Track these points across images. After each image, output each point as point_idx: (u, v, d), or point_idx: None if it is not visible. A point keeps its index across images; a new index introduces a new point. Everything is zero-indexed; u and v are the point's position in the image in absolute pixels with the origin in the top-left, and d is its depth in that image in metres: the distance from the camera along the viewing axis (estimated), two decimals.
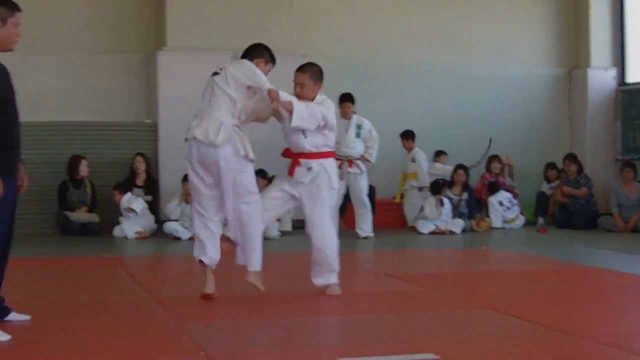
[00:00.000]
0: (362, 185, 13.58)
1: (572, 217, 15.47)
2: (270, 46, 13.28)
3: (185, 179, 12.93)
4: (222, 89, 7.57)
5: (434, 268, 11.03)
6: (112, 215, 13.99)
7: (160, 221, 13.93)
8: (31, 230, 13.72)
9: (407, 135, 15.53)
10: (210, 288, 7.64)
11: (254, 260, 7.73)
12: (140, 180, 14.32)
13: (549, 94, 17.61)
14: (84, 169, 14.05)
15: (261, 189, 8.34)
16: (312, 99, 7.98)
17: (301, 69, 8.07)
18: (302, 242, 13.31)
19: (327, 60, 15.82)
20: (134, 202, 13.72)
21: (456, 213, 14.85)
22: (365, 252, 12.46)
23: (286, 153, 8.28)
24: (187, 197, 13.05)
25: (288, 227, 14.11)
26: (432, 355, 5.55)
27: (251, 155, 7.60)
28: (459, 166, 15.26)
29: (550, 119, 17.56)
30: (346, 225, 14.38)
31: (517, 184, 16.44)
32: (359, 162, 13.49)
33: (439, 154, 16.08)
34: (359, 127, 13.51)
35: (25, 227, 13.83)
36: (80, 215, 13.92)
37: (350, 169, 13.43)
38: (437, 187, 14.79)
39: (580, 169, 15.88)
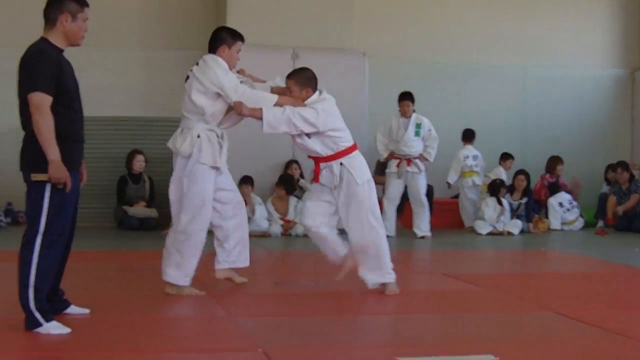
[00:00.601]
0: (421, 185, 13.50)
1: (633, 221, 15.25)
2: (330, 44, 13.29)
3: (243, 181, 12.97)
4: (188, 95, 7.69)
5: (492, 268, 10.95)
6: (170, 210, 14.03)
7: None
8: (90, 224, 13.81)
9: (472, 135, 15.51)
10: None
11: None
12: None
13: (611, 95, 17.47)
14: (137, 164, 14.12)
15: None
16: (303, 102, 7.81)
17: (289, 75, 7.96)
18: None
19: (387, 58, 15.97)
20: None
21: (514, 215, 14.74)
22: (422, 251, 12.40)
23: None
24: (245, 199, 13.08)
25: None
26: (491, 357, 5.49)
27: (211, 162, 7.64)
28: (520, 172, 15.14)
29: (612, 120, 17.42)
30: (403, 225, 14.33)
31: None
32: (417, 161, 13.41)
33: (505, 158, 15.92)
34: (418, 125, 13.44)
35: (84, 220, 13.92)
36: (139, 210, 14.01)
37: (408, 168, 13.37)
38: (496, 188, 14.68)
39: (631, 177, 15.69)
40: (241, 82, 7.76)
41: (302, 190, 14.08)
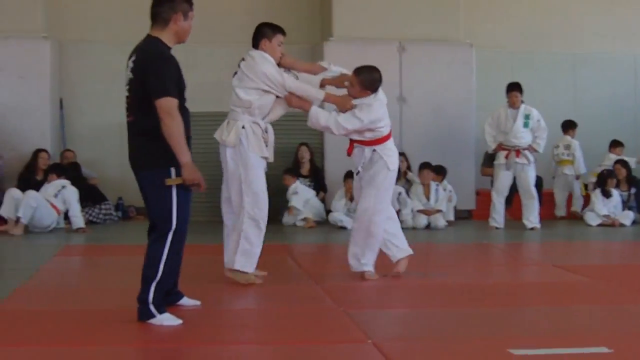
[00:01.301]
0: (530, 176, 13.36)
1: None
2: (436, 36, 13.24)
3: (348, 175, 13.03)
4: (234, 90, 7.97)
5: (603, 260, 10.77)
6: (278, 204, 14.16)
7: (328, 210, 14.02)
8: (199, 218, 13.96)
9: (569, 125, 15.36)
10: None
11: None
12: (305, 169, 14.43)
13: None
14: None
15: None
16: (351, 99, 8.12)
17: (358, 71, 8.15)
18: (467, 232, 13.26)
19: (494, 49, 15.83)
20: (293, 198, 13.84)
21: (626, 206, 14.49)
22: (532, 243, 12.26)
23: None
24: (350, 194, 13.15)
25: (451, 216, 14.02)
26: (605, 349, 5.42)
27: (259, 152, 7.90)
28: (617, 161, 14.89)
29: None
30: (512, 217, 14.20)
31: None
32: (526, 152, 13.27)
33: (615, 145, 15.68)
34: (527, 117, 13.29)
35: (194, 214, 14.09)
36: None
37: (517, 159, 13.23)
38: (603, 179, 14.46)
39: None
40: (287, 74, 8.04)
41: (410, 182, 14.06)
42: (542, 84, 15.90)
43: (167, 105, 5.99)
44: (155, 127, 6.01)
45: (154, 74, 6.05)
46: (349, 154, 8.28)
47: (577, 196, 15.30)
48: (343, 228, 13.08)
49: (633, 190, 14.64)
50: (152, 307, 6.08)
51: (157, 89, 6.01)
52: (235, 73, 8.10)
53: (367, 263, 8.17)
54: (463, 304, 7.23)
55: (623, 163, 14.82)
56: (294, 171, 14.26)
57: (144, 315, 6.11)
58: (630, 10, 16.62)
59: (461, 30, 14.90)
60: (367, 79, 8.09)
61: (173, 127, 6.00)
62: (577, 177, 15.24)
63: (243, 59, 8.09)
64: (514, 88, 13.39)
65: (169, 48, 6.25)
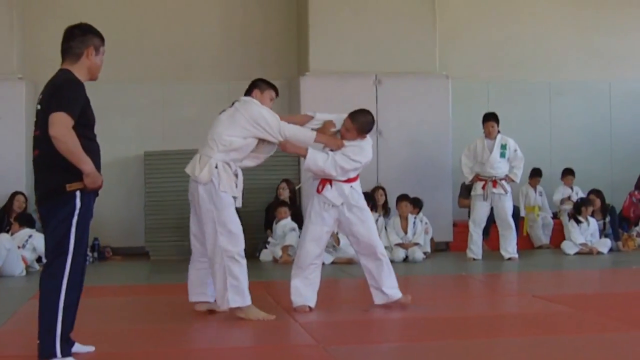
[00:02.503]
0: (507, 206, 13.38)
1: None
2: (412, 68, 13.29)
3: None
4: (220, 126, 7.92)
5: (582, 289, 10.75)
6: (255, 241, 14.14)
7: None
8: (176, 256, 13.94)
9: (536, 174, 15.48)
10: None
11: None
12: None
13: None
14: None
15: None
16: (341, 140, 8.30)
17: (353, 117, 8.28)
18: (445, 264, 13.25)
19: (470, 80, 15.89)
20: (292, 235, 13.75)
21: (602, 234, 14.54)
22: (510, 273, 12.25)
23: None
24: None
25: (428, 249, 13.99)
26: None
27: (230, 191, 7.83)
28: (592, 191, 14.98)
29: None
30: (490, 247, 14.21)
31: None
32: (503, 182, 13.30)
33: (566, 173, 15.82)
34: (503, 147, 13.34)
35: (170, 253, 14.11)
36: None
37: (494, 190, 13.26)
38: (577, 208, 14.50)
39: None
40: None
41: (388, 215, 14.07)
42: (518, 113, 15.96)
43: (59, 119, 5.80)
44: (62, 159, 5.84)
45: (57, 95, 5.89)
46: (320, 191, 8.26)
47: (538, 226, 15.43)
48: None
49: (608, 219, 14.69)
50: (58, 345, 5.88)
51: (57, 104, 5.84)
52: (224, 110, 8.10)
53: (392, 287, 8.29)
54: (444, 337, 7.20)
55: (597, 193, 14.88)
56: (289, 205, 14.18)
57: (47, 352, 5.89)
58: (604, 38, 16.71)
59: (437, 62, 14.93)
60: (364, 123, 8.28)
61: (67, 139, 5.80)
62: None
63: (237, 101, 8.11)
64: (490, 118, 13.44)
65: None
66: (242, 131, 7.85)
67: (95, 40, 6.18)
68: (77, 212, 5.92)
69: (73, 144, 5.82)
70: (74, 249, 5.94)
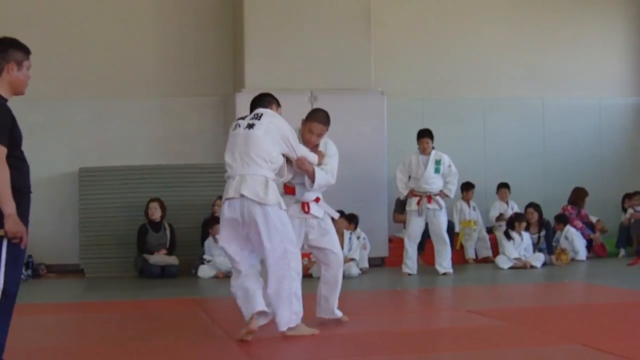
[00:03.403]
0: (442, 222, 13.50)
1: None
2: (348, 85, 13.41)
3: None
4: (259, 140, 7.59)
5: (516, 303, 10.83)
6: (190, 257, 14.11)
7: None
8: (111, 273, 13.87)
9: (468, 187, 15.62)
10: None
11: None
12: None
13: (629, 123, 17.45)
14: (152, 211, 14.09)
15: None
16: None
17: (322, 120, 8.30)
18: (380, 279, 13.29)
19: (406, 96, 16.02)
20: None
21: (536, 248, 14.71)
22: (445, 288, 12.35)
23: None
24: None
25: (365, 264, 14.05)
26: None
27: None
28: (529, 205, 15.16)
29: (631, 148, 17.40)
30: (425, 262, 14.31)
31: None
32: (438, 197, 13.41)
33: (501, 187, 16.10)
34: (438, 162, 13.46)
35: (104, 270, 14.02)
36: (160, 257, 13.96)
37: (429, 205, 13.37)
38: (511, 223, 14.67)
39: None
40: None
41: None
42: (452, 129, 16.11)
43: None
44: None
45: None
46: (309, 211, 8.24)
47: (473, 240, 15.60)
48: None
49: (543, 233, 14.86)
50: None
51: None
52: (238, 125, 7.82)
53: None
54: (379, 353, 7.21)
55: (535, 207, 15.06)
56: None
57: None
58: (537, 56, 16.95)
59: (372, 79, 15.01)
60: (326, 116, 8.33)
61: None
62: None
63: (256, 116, 7.81)
64: (425, 135, 13.56)
65: (5, 99, 5.88)
66: (278, 147, 7.65)
67: (17, 54, 5.94)
68: (2, 260, 5.69)
69: (3, 182, 5.59)
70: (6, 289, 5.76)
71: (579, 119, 17.12)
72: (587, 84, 17.24)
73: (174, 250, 14.21)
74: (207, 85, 15.40)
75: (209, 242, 13.93)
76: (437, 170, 13.44)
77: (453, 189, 13.58)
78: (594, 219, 16.26)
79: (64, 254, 14.70)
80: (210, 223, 13.97)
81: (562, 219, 15.55)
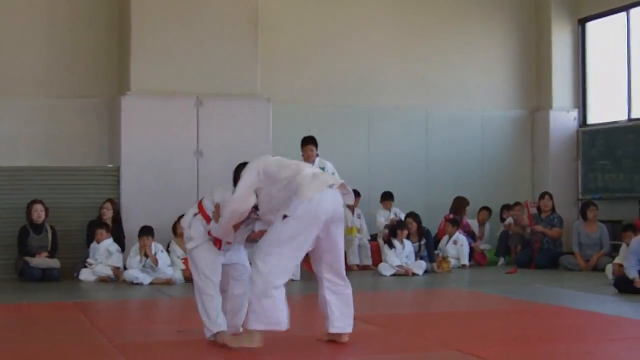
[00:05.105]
0: None
1: (534, 257, 15.62)
2: (234, 90, 13.41)
3: (142, 232, 13.07)
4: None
5: (395, 309, 10.94)
6: (74, 260, 13.93)
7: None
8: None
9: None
10: None
11: None
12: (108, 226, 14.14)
13: (512, 135, 17.84)
14: (35, 214, 13.85)
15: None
16: None
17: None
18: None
19: (292, 103, 16.07)
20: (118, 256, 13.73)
21: (418, 256, 14.90)
22: None
23: None
24: (145, 251, 13.17)
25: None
26: None
27: None
28: (409, 214, 15.39)
29: (513, 160, 17.79)
30: (309, 269, 14.31)
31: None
32: None
33: (385, 197, 16.25)
34: (321, 169, 13.49)
35: None
36: (41, 260, 13.70)
37: None
38: (393, 230, 14.85)
39: (553, 208, 16.05)
40: None
41: None
42: (339, 136, 16.25)
43: None
44: None
45: None
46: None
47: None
48: (139, 284, 12.91)
49: (423, 241, 15.08)
50: None
51: None
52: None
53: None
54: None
55: (414, 216, 15.27)
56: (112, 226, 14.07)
57: None
58: (422, 66, 17.19)
59: (258, 85, 15.01)
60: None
61: None
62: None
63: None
64: (309, 142, 13.59)
65: None
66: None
67: None
68: None
69: None
70: None
71: (462, 130, 17.41)
72: (470, 96, 17.55)
73: (56, 252, 13.98)
74: (92, 87, 15.18)
75: (94, 245, 13.77)
76: None
77: None
78: (475, 229, 16.57)
79: None
80: (97, 225, 13.83)
81: (454, 223, 15.77)
